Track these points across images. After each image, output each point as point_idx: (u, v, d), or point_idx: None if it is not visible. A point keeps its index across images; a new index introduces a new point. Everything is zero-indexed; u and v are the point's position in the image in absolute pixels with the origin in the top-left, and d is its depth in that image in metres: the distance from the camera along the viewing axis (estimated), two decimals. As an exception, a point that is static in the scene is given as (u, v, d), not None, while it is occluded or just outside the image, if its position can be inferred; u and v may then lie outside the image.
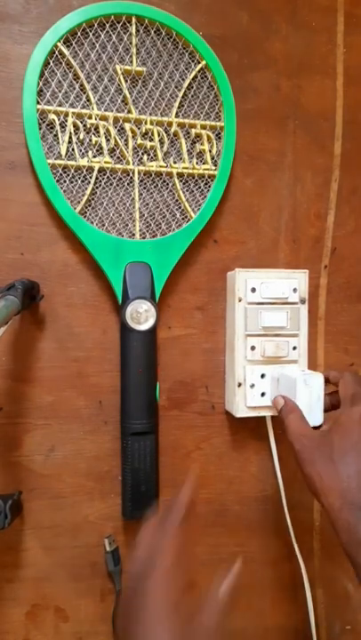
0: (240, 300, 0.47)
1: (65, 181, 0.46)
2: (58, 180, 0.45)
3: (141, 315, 0.44)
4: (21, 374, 0.46)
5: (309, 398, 0.42)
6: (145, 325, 0.44)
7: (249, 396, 0.47)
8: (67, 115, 0.45)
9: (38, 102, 0.44)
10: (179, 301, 0.49)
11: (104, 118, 0.46)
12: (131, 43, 0.46)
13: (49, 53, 0.44)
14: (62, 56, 0.45)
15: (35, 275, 0.46)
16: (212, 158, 0.48)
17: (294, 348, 0.48)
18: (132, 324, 0.44)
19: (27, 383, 0.46)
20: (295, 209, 0.52)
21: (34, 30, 0.45)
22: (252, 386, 0.47)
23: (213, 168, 0.48)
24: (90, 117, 0.45)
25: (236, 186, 0.50)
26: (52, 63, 0.45)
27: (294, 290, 0.47)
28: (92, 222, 0.46)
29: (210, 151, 0.48)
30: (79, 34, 0.45)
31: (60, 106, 0.45)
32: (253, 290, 0.47)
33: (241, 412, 0.47)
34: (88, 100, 0.46)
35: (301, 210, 0.52)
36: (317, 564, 0.52)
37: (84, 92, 0.46)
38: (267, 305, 0.47)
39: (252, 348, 0.47)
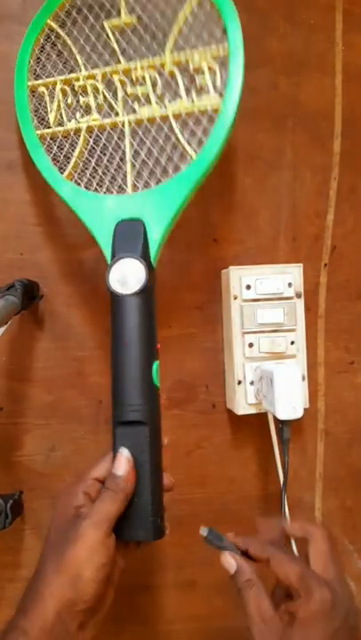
0: (235, 298, 0.47)
1: (52, 148, 0.44)
2: (47, 149, 0.44)
3: (128, 275, 0.37)
4: (21, 374, 0.46)
5: (287, 389, 0.43)
6: (133, 288, 0.37)
7: (249, 392, 0.47)
8: (55, 84, 0.44)
9: (29, 79, 0.44)
10: (178, 300, 0.49)
11: (91, 77, 0.43)
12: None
13: (39, 32, 0.44)
14: (52, 31, 0.44)
15: (34, 274, 0.46)
16: (216, 88, 0.41)
17: (292, 343, 0.48)
18: (118, 288, 0.37)
19: (27, 383, 0.47)
20: (295, 207, 0.51)
21: (32, 30, 0.45)
22: (252, 383, 0.47)
23: (218, 99, 0.41)
24: (77, 80, 0.43)
25: (236, 184, 0.50)
26: (42, 40, 0.44)
27: (289, 284, 0.47)
28: (79, 184, 0.43)
29: (213, 82, 0.41)
30: (67, 5, 0.44)
31: (49, 77, 0.44)
32: (248, 287, 0.47)
33: (242, 409, 0.47)
34: (77, 64, 0.44)
35: (301, 208, 0.52)
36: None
37: (73, 57, 0.44)
38: (262, 301, 0.47)
39: (250, 345, 0.47)
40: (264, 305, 0.47)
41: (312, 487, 0.52)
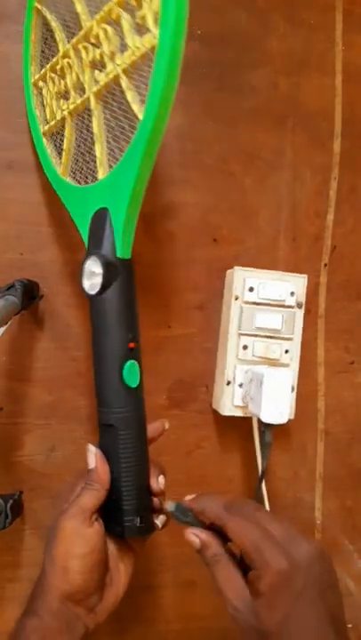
0: (237, 299, 0.47)
1: (51, 145, 0.43)
2: (48, 147, 0.43)
3: (93, 275, 0.36)
4: (21, 374, 0.46)
5: (276, 393, 0.42)
6: (95, 288, 0.35)
7: (237, 394, 0.46)
8: (46, 75, 0.42)
9: (32, 76, 0.43)
10: (178, 300, 0.49)
11: (66, 55, 0.40)
12: None
13: (32, 20, 0.43)
14: (38, 14, 0.43)
15: (34, 275, 0.46)
16: (154, 19, 0.31)
17: (286, 352, 0.47)
18: (88, 289, 0.36)
19: (27, 383, 0.47)
20: (295, 207, 0.51)
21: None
22: (241, 385, 0.46)
23: (155, 33, 0.31)
24: (57, 63, 0.41)
25: (236, 184, 0.50)
26: (36, 30, 0.44)
27: (292, 293, 0.47)
28: (66, 177, 0.42)
29: (150, 8, 0.31)
30: None
31: (42, 69, 0.43)
32: (251, 289, 0.46)
33: (228, 410, 0.47)
34: (55, 45, 0.41)
35: (301, 208, 0.52)
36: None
37: (54, 39, 0.42)
38: (263, 306, 0.47)
39: (245, 347, 0.46)
40: (264, 309, 0.47)
41: (312, 487, 0.52)
